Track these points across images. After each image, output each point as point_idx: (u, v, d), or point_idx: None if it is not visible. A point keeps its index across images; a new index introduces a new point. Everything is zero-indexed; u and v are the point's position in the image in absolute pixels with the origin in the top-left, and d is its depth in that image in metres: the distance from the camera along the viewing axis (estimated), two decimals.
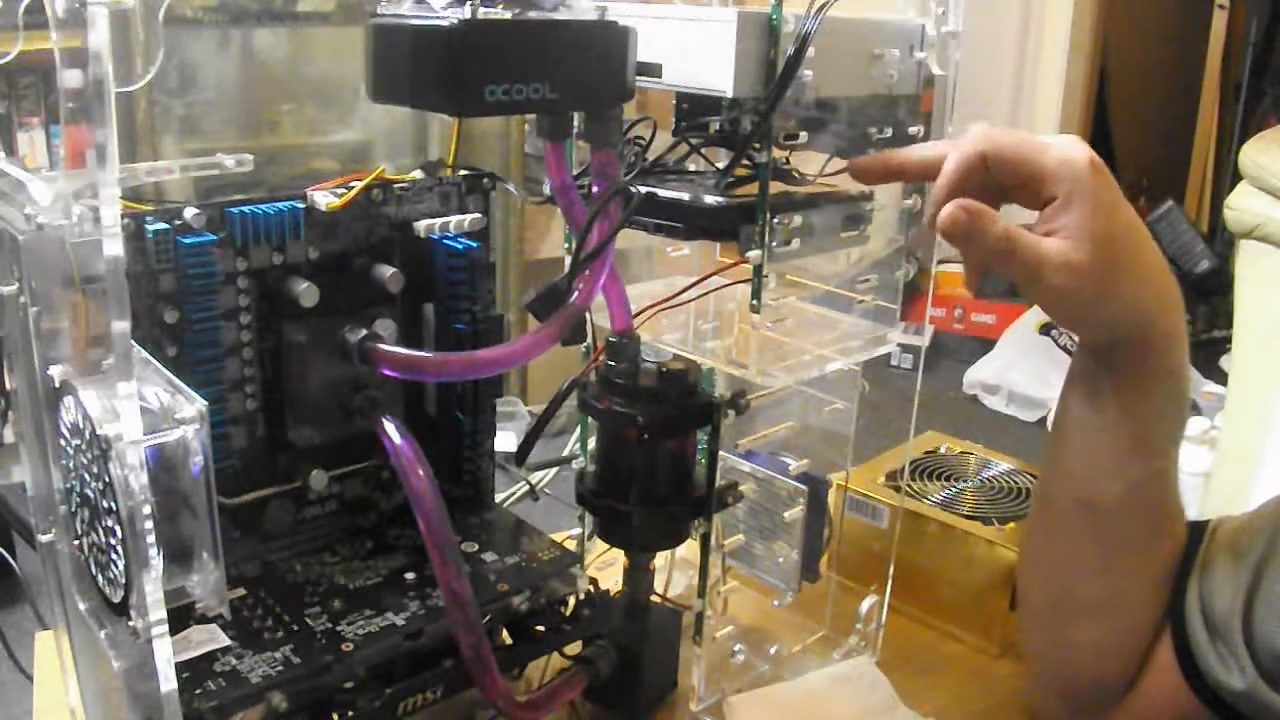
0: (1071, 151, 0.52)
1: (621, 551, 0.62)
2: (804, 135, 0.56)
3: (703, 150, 0.61)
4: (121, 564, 0.41)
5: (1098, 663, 0.60)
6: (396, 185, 0.59)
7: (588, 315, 0.60)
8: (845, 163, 0.59)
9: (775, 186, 0.55)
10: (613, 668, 0.60)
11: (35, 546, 0.53)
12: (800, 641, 0.71)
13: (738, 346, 0.66)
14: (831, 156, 0.59)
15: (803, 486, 0.64)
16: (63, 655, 0.56)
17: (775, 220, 0.55)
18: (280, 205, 0.55)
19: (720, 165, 0.60)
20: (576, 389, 0.60)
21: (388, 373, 0.55)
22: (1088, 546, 0.58)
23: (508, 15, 0.47)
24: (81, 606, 0.49)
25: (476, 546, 0.60)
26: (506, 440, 0.64)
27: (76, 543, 0.47)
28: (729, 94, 0.52)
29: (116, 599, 0.43)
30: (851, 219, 0.60)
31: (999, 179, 0.53)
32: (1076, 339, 0.57)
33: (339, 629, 0.52)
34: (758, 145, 0.54)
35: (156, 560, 0.40)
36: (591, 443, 0.63)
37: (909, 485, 0.76)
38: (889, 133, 0.60)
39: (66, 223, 0.41)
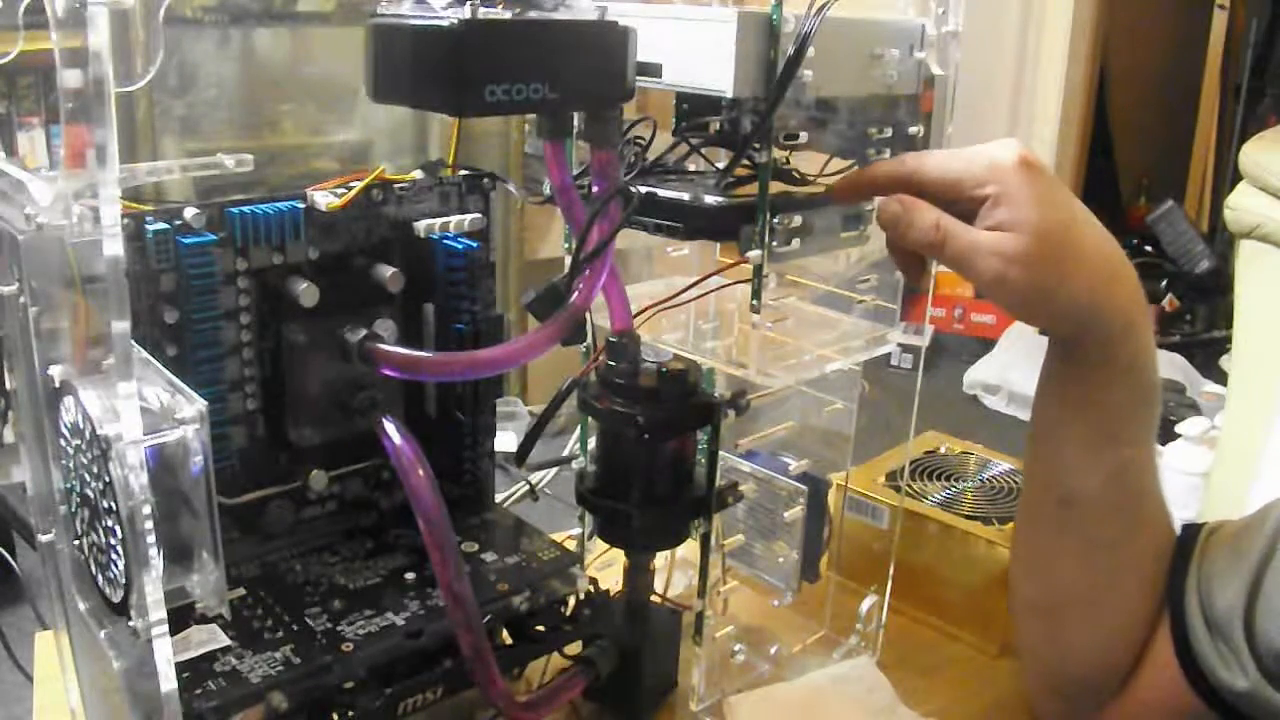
0: (999, 152, 0.53)
1: (621, 551, 0.62)
2: (804, 135, 0.56)
3: (703, 150, 0.61)
4: (121, 564, 0.41)
5: (1089, 658, 0.60)
6: (396, 185, 0.59)
7: (588, 315, 0.60)
8: (845, 163, 0.59)
9: (775, 186, 0.55)
10: (613, 668, 0.60)
11: (35, 546, 0.53)
12: (800, 641, 0.71)
13: (738, 346, 0.66)
14: (831, 156, 0.59)
15: (803, 486, 0.64)
16: (63, 655, 0.55)
17: (775, 220, 0.55)
18: (280, 205, 0.55)
19: (720, 165, 0.60)
20: (576, 389, 0.60)
21: (388, 373, 0.55)
22: (1069, 541, 0.59)
23: (508, 15, 0.47)
24: (81, 606, 0.49)
25: (476, 546, 0.60)
26: (506, 440, 0.64)
27: (76, 543, 0.47)
28: (729, 94, 0.52)
29: (116, 599, 0.43)
30: (851, 219, 0.60)
31: (939, 194, 0.54)
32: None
33: (339, 629, 0.52)
34: (758, 145, 0.54)
35: (156, 560, 0.40)
36: (591, 443, 0.63)
37: (909, 485, 0.76)
38: (889, 133, 0.60)
39: (66, 223, 0.41)
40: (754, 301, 0.56)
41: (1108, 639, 0.60)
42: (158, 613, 0.40)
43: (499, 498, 0.67)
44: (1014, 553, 0.64)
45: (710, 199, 0.57)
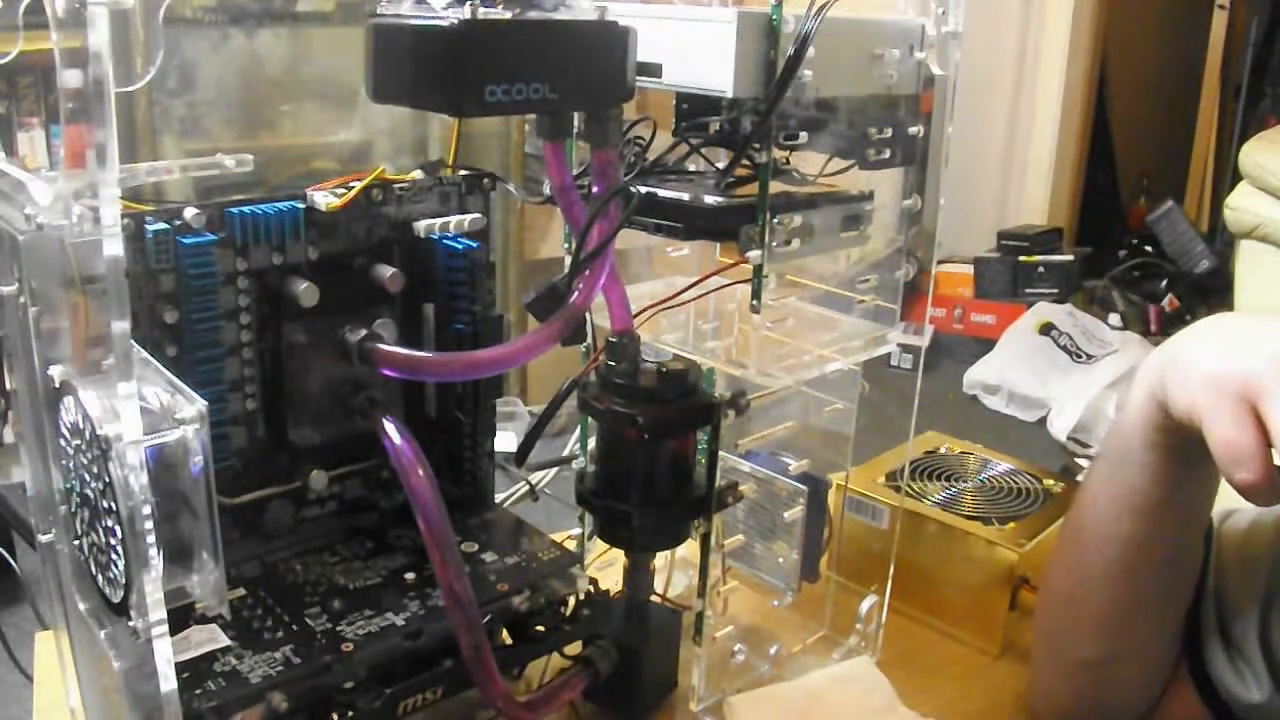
0: None
1: (621, 551, 0.62)
2: (804, 135, 0.56)
3: (703, 150, 0.61)
4: (121, 564, 0.41)
5: (1137, 699, 0.60)
6: (396, 185, 0.59)
7: (588, 315, 0.60)
8: (845, 163, 0.59)
9: (775, 186, 0.55)
10: (613, 668, 0.60)
11: (35, 546, 0.53)
12: (800, 641, 0.71)
13: (738, 346, 0.66)
14: (831, 156, 0.59)
15: (803, 486, 0.64)
16: (63, 655, 0.56)
17: (775, 220, 0.55)
18: (280, 205, 0.55)
19: (720, 165, 0.60)
20: (576, 389, 0.60)
21: (388, 373, 0.55)
22: (1155, 595, 0.57)
23: (508, 15, 0.47)
24: (81, 606, 0.49)
25: (476, 546, 0.60)
26: (506, 440, 0.64)
27: (76, 543, 0.47)
28: (729, 94, 0.52)
29: (116, 599, 0.43)
30: (851, 219, 0.60)
31: None
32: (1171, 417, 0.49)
33: (339, 629, 0.52)
34: (758, 145, 0.54)
35: (156, 560, 0.40)
36: (591, 443, 0.63)
37: (909, 485, 0.76)
38: (889, 133, 0.60)
39: (66, 223, 0.41)
40: (754, 301, 0.56)
41: (1155, 679, 0.60)
42: (158, 613, 0.40)
43: (499, 498, 0.67)
44: (1081, 614, 0.60)
45: (710, 199, 0.57)
